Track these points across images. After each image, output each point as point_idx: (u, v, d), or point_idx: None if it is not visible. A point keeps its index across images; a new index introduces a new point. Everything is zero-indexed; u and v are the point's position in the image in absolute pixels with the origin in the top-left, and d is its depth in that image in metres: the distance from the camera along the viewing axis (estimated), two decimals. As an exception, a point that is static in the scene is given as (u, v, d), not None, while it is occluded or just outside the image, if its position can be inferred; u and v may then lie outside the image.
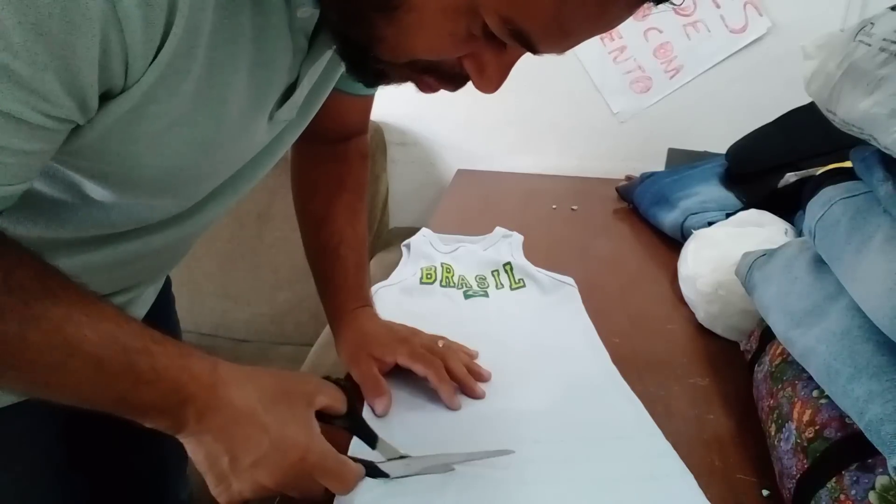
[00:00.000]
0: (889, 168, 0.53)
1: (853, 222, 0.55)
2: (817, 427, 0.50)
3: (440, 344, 0.70)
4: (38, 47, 0.31)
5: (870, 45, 0.51)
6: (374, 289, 0.84)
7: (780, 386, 0.58)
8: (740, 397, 0.68)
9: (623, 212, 1.33)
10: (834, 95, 0.56)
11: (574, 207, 1.32)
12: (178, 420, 0.44)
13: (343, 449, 0.54)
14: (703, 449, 0.60)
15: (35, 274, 0.39)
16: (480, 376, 0.69)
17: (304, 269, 0.76)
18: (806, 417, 0.52)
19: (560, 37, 0.38)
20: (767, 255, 0.71)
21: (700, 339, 0.82)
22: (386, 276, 0.93)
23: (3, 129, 0.33)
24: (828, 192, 0.61)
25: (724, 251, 0.84)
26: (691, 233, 0.99)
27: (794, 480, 0.51)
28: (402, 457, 0.54)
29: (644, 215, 1.25)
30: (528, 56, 0.42)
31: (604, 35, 1.18)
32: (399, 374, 0.68)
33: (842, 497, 0.45)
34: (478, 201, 1.39)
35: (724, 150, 1.23)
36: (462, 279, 0.93)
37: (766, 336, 0.67)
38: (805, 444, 0.51)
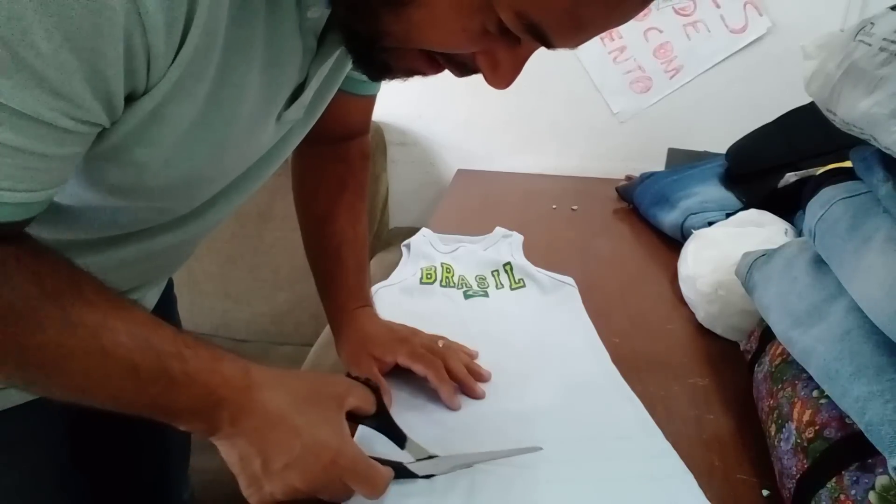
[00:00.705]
0: (889, 168, 0.53)
1: (853, 222, 0.55)
2: (817, 427, 0.50)
3: (440, 344, 0.70)
4: (67, 53, 0.31)
5: (870, 45, 0.51)
6: (374, 289, 0.84)
7: (780, 386, 0.58)
8: (740, 397, 0.68)
9: (623, 212, 1.32)
10: (834, 95, 0.56)
11: (574, 207, 1.32)
12: (211, 423, 0.45)
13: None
14: (703, 449, 0.60)
15: (70, 279, 0.39)
16: (480, 376, 0.69)
17: (304, 269, 0.76)
18: (806, 417, 0.52)
19: (574, 30, 0.38)
20: (767, 255, 0.71)
21: (700, 339, 0.82)
22: (386, 276, 0.94)
23: (36, 134, 0.33)
24: (828, 192, 0.61)
25: (724, 251, 0.84)
26: (691, 233, 0.99)
27: (794, 480, 0.51)
28: (430, 457, 0.55)
29: (644, 215, 1.25)
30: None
31: (604, 35, 1.18)
32: (399, 374, 0.68)
33: (842, 497, 0.45)
34: (478, 201, 1.39)
35: (724, 150, 1.23)
36: (462, 279, 0.93)
37: (766, 336, 0.67)
38: (805, 444, 0.51)
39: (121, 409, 0.42)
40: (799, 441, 0.52)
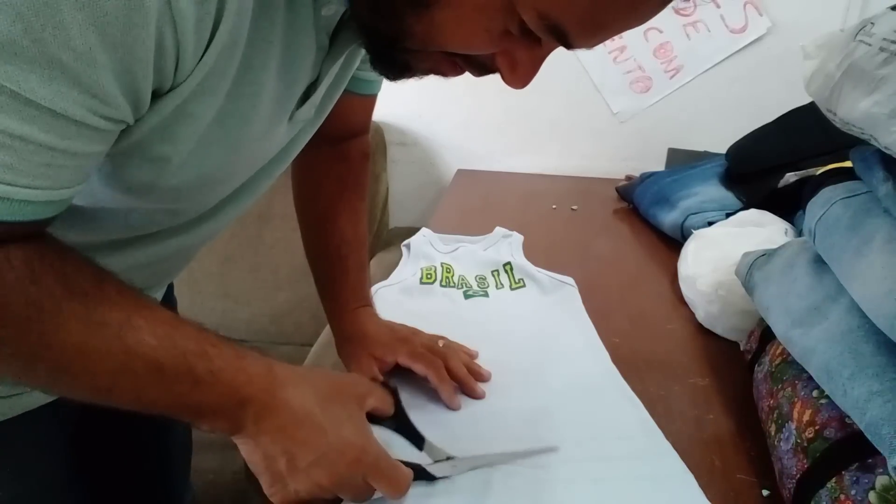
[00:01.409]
0: (889, 168, 0.53)
1: (853, 222, 0.55)
2: (817, 427, 0.50)
3: (440, 344, 0.70)
4: (99, 49, 0.31)
5: (870, 45, 0.51)
6: (374, 289, 0.84)
7: (780, 386, 0.58)
8: (740, 397, 0.68)
9: (623, 212, 1.32)
10: (834, 95, 0.56)
11: (574, 207, 1.32)
12: (235, 422, 0.45)
13: None
14: (703, 449, 0.60)
15: (94, 278, 0.39)
16: (480, 376, 0.69)
17: (304, 269, 0.76)
18: (806, 417, 0.52)
19: (595, 31, 0.38)
20: (767, 255, 0.71)
21: (700, 339, 0.82)
22: (386, 276, 0.94)
23: (63, 132, 0.33)
24: (828, 192, 0.61)
25: (724, 251, 0.84)
26: (691, 233, 0.99)
27: (794, 480, 0.51)
28: (447, 458, 0.55)
29: (644, 215, 1.25)
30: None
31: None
32: (399, 374, 0.68)
33: (842, 497, 0.45)
34: (478, 201, 1.38)
35: (724, 150, 1.23)
36: (462, 279, 0.93)
37: (766, 336, 0.67)
38: (805, 444, 0.51)
39: (144, 408, 0.42)
40: (799, 441, 0.52)
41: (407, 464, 0.51)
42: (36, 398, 0.56)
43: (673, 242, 1.11)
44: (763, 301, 0.66)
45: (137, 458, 0.75)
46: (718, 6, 1.41)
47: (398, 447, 0.55)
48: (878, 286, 0.47)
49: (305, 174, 0.76)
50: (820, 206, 0.61)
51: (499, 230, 1.10)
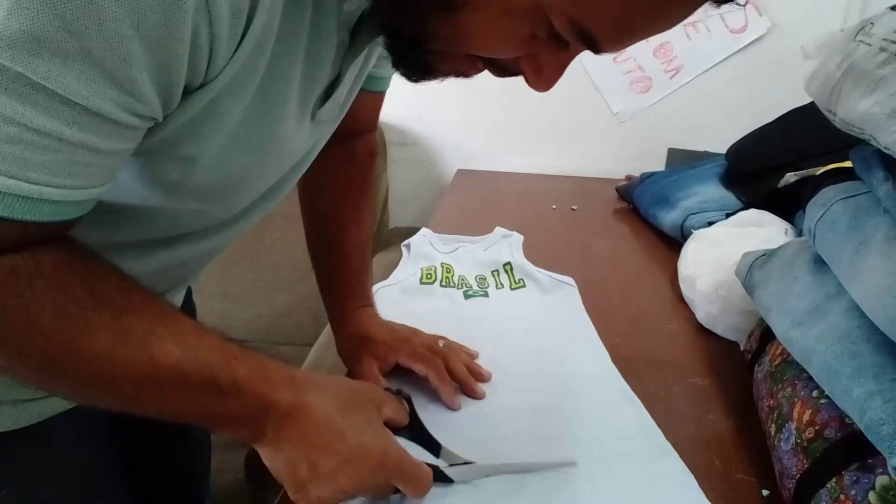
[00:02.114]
0: (889, 168, 0.53)
1: (853, 222, 0.55)
2: (817, 427, 0.50)
3: (441, 344, 0.70)
4: (135, 44, 0.30)
5: (870, 45, 0.51)
6: (374, 289, 0.84)
7: (780, 386, 0.58)
8: (740, 397, 0.68)
9: (623, 212, 1.32)
10: (834, 95, 0.56)
11: (574, 207, 1.32)
12: (257, 430, 0.45)
13: None
14: (703, 449, 0.60)
15: (119, 286, 0.38)
16: (481, 376, 0.69)
17: (304, 269, 0.76)
18: (806, 417, 0.52)
19: (624, 36, 0.38)
20: (767, 255, 0.71)
21: (700, 339, 0.82)
22: (386, 276, 0.93)
23: (93, 129, 0.32)
24: (828, 192, 0.61)
25: (724, 251, 0.84)
26: (691, 233, 0.99)
27: (794, 480, 0.51)
28: (465, 463, 0.55)
29: (644, 215, 1.25)
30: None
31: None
32: (400, 374, 0.68)
33: (842, 497, 0.45)
34: (478, 201, 1.38)
35: (724, 150, 1.23)
36: (462, 279, 0.93)
37: (766, 336, 0.67)
38: (805, 444, 0.51)
39: (166, 417, 0.42)
40: (799, 441, 0.52)
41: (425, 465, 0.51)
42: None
43: (673, 242, 1.11)
44: (763, 301, 0.66)
45: (162, 460, 0.75)
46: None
47: (416, 455, 0.55)
48: (877, 286, 0.47)
49: (311, 171, 0.76)
50: (820, 206, 0.61)
51: (499, 230, 1.10)
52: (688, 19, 0.39)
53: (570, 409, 0.65)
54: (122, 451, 0.65)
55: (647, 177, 1.31)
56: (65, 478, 0.56)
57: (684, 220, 1.09)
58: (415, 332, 0.72)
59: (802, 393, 0.55)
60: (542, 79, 0.43)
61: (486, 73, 0.45)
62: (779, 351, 0.62)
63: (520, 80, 0.44)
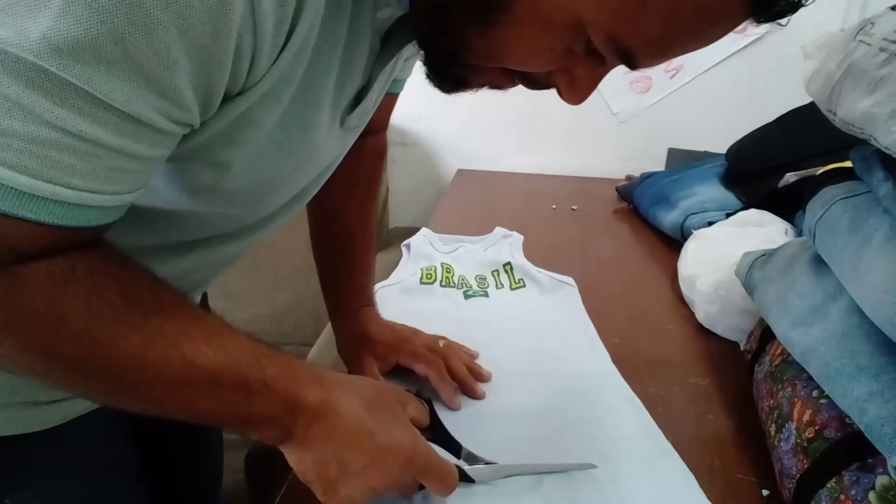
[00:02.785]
0: (889, 168, 0.53)
1: (853, 222, 0.55)
2: (817, 427, 0.50)
3: (441, 344, 0.70)
4: (179, 51, 0.30)
5: (870, 45, 0.51)
6: (374, 288, 0.84)
7: (780, 386, 0.58)
8: (740, 397, 0.68)
9: (623, 212, 1.33)
10: (834, 95, 0.56)
11: (574, 207, 1.32)
12: (286, 430, 0.45)
13: None
14: (703, 449, 0.60)
15: (150, 288, 0.38)
16: (481, 376, 0.69)
17: (304, 269, 0.76)
18: (806, 417, 0.52)
19: (662, 53, 0.38)
20: (767, 255, 0.71)
21: (700, 339, 0.82)
22: (386, 276, 0.93)
23: (134, 135, 0.32)
24: (828, 192, 0.61)
25: (724, 251, 0.84)
26: (691, 233, 0.99)
27: (794, 480, 0.51)
28: (486, 463, 0.55)
29: (644, 215, 1.25)
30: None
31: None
32: (400, 374, 0.68)
33: (842, 497, 0.45)
34: (478, 201, 1.38)
35: (724, 150, 1.23)
36: (462, 279, 0.93)
37: (766, 336, 0.67)
38: (805, 444, 0.51)
39: (196, 419, 0.42)
40: (799, 441, 0.52)
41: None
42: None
43: (673, 242, 1.11)
44: (763, 301, 0.66)
45: (178, 461, 0.75)
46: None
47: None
48: (877, 286, 0.47)
49: None
50: (820, 206, 0.61)
51: (499, 230, 1.10)
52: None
53: (569, 410, 0.65)
54: (140, 452, 0.65)
55: (647, 177, 1.31)
56: (86, 480, 0.56)
57: (684, 220, 1.09)
58: (415, 332, 0.72)
59: (802, 393, 0.55)
60: (576, 92, 0.43)
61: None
62: (779, 351, 0.62)
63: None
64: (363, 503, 0.47)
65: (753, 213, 0.97)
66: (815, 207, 0.62)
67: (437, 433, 0.57)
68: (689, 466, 0.57)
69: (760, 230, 0.91)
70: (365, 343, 0.70)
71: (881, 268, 0.47)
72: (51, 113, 0.29)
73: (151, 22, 0.29)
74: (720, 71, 1.46)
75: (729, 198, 1.12)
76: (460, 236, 1.08)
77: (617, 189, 1.38)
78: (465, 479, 0.53)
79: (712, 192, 1.16)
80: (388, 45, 0.46)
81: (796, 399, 0.55)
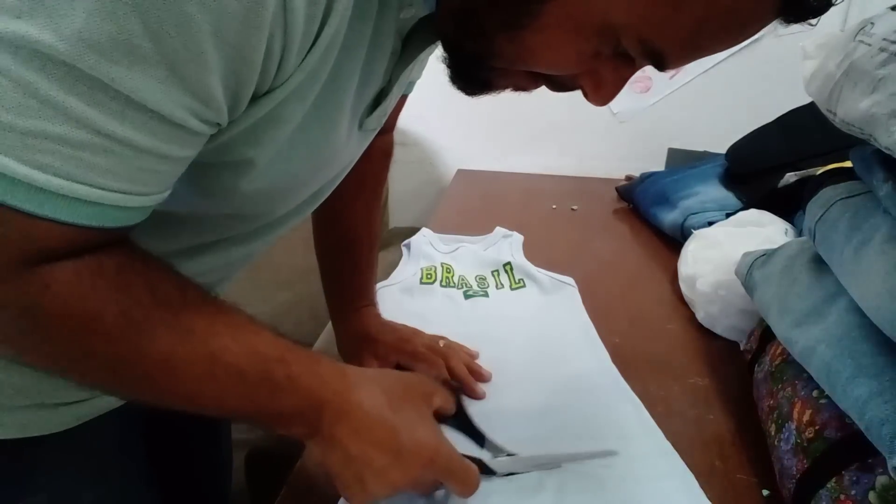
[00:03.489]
0: (889, 168, 0.53)
1: (853, 222, 0.55)
2: (817, 427, 0.50)
3: (441, 344, 0.70)
4: (212, 51, 0.30)
5: (870, 45, 0.51)
6: (374, 288, 0.84)
7: (780, 386, 0.58)
8: (740, 397, 0.68)
9: (623, 212, 1.33)
10: (834, 95, 0.56)
11: (574, 207, 1.32)
12: (312, 426, 0.45)
13: None
14: (703, 449, 0.60)
15: (177, 286, 0.38)
16: (481, 376, 0.69)
17: (304, 269, 0.76)
18: (806, 417, 0.52)
19: (692, 54, 0.38)
20: (767, 255, 0.71)
21: (700, 339, 0.82)
22: (386, 276, 0.94)
23: (164, 135, 0.32)
24: (828, 192, 0.61)
25: (724, 251, 0.84)
26: (691, 233, 0.99)
27: (794, 480, 0.51)
28: (508, 455, 0.55)
29: (644, 215, 1.25)
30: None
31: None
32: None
33: (842, 497, 0.45)
34: (478, 201, 1.39)
35: (724, 150, 1.23)
36: (462, 279, 0.93)
37: (766, 336, 0.67)
38: (805, 444, 0.51)
39: (224, 414, 0.42)
40: (799, 441, 0.52)
41: (469, 458, 0.51)
42: (112, 399, 0.55)
43: (673, 242, 1.11)
44: (763, 301, 0.66)
45: (190, 459, 0.75)
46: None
47: (460, 445, 0.55)
48: (877, 286, 0.47)
49: None
50: (820, 206, 0.61)
51: (499, 230, 1.10)
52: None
53: (570, 409, 0.65)
54: (154, 449, 0.65)
55: (647, 177, 1.31)
56: (99, 482, 0.56)
57: (684, 220, 1.09)
58: (416, 332, 0.72)
59: (802, 393, 0.55)
60: (602, 94, 0.42)
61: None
62: (779, 351, 0.62)
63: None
64: (384, 500, 0.47)
65: (753, 213, 0.97)
66: (815, 207, 0.62)
67: (462, 422, 0.57)
68: (689, 466, 0.57)
69: (760, 230, 0.91)
70: (365, 343, 0.70)
71: (881, 268, 0.47)
72: (83, 114, 0.29)
73: (186, 20, 0.28)
74: (720, 71, 1.46)
75: (729, 198, 1.12)
76: (460, 236, 1.08)
77: (617, 189, 1.38)
78: (487, 471, 0.53)
79: (712, 192, 1.16)
80: (409, 46, 0.46)
81: (796, 399, 0.55)
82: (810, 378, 0.54)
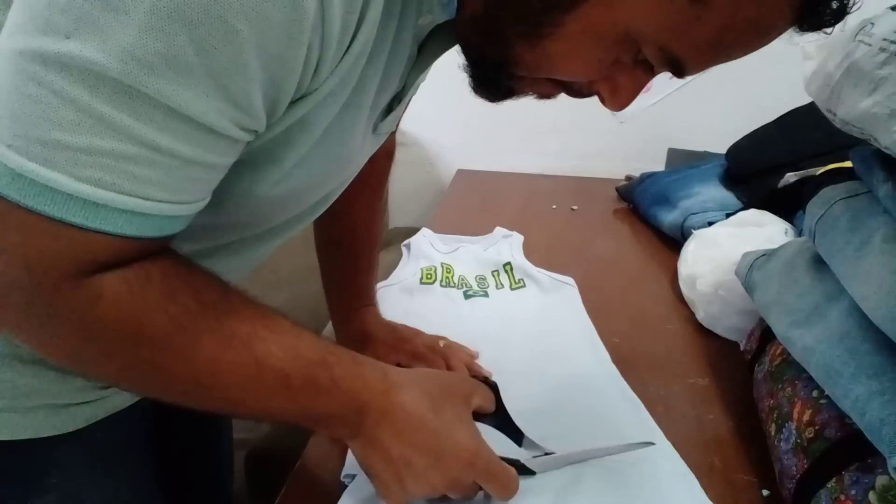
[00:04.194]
0: (889, 168, 0.53)
1: (853, 222, 0.55)
2: (817, 427, 0.50)
3: (441, 344, 0.70)
4: (254, 60, 0.30)
5: (870, 45, 0.51)
6: (374, 288, 0.84)
7: (780, 386, 0.58)
8: (740, 397, 0.68)
9: (623, 212, 1.33)
10: (834, 95, 0.56)
11: (574, 207, 1.32)
12: (354, 427, 0.45)
13: None
14: (703, 449, 0.60)
15: (220, 291, 0.39)
16: (481, 376, 0.69)
17: (304, 269, 0.76)
18: (806, 417, 0.52)
19: (710, 61, 0.39)
20: (767, 255, 0.71)
21: (700, 339, 0.82)
22: (386, 276, 0.94)
23: (207, 145, 0.33)
24: (828, 192, 0.61)
25: (724, 251, 0.84)
26: (691, 233, 0.99)
27: (794, 480, 0.51)
28: (546, 454, 0.55)
29: (644, 215, 1.25)
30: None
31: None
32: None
33: (842, 497, 0.45)
34: (478, 201, 1.39)
35: (724, 150, 1.23)
36: (462, 279, 0.93)
37: (766, 336, 0.67)
38: (805, 444, 0.51)
39: (268, 418, 0.43)
40: (799, 441, 0.52)
41: (507, 459, 0.51)
42: (122, 399, 0.55)
43: (673, 242, 1.11)
44: (763, 301, 0.66)
45: (194, 458, 0.75)
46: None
47: (499, 443, 0.55)
48: (877, 286, 0.47)
49: None
50: (820, 206, 0.61)
51: (499, 230, 1.10)
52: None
53: (570, 410, 0.65)
54: (160, 447, 0.65)
55: (647, 177, 1.31)
56: (108, 482, 0.56)
57: (684, 220, 1.09)
58: (416, 332, 0.72)
59: (802, 393, 0.55)
60: (619, 99, 0.43)
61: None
62: (779, 351, 0.62)
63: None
64: (423, 499, 0.47)
65: (753, 213, 0.97)
66: (815, 208, 0.62)
67: (501, 419, 0.57)
68: (689, 466, 0.57)
69: (760, 230, 0.91)
70: (365, 342, 0.70)
71: (881, 268, 0.47)
72: (131, 128, 0.30)
73: (231, 33, 0.29)
74: (720, 71, 1.44)
75: (729, 198, 1.12)
76: (460, 236, 1.08)
77: (617, 189, 1.38)
78: (526, 471, 0.53)
79: (712, 192, 1.16)
80: (424, 52, 0.47)
81: (796, 399, 0.55)
82: (810, 378, 0.54)
